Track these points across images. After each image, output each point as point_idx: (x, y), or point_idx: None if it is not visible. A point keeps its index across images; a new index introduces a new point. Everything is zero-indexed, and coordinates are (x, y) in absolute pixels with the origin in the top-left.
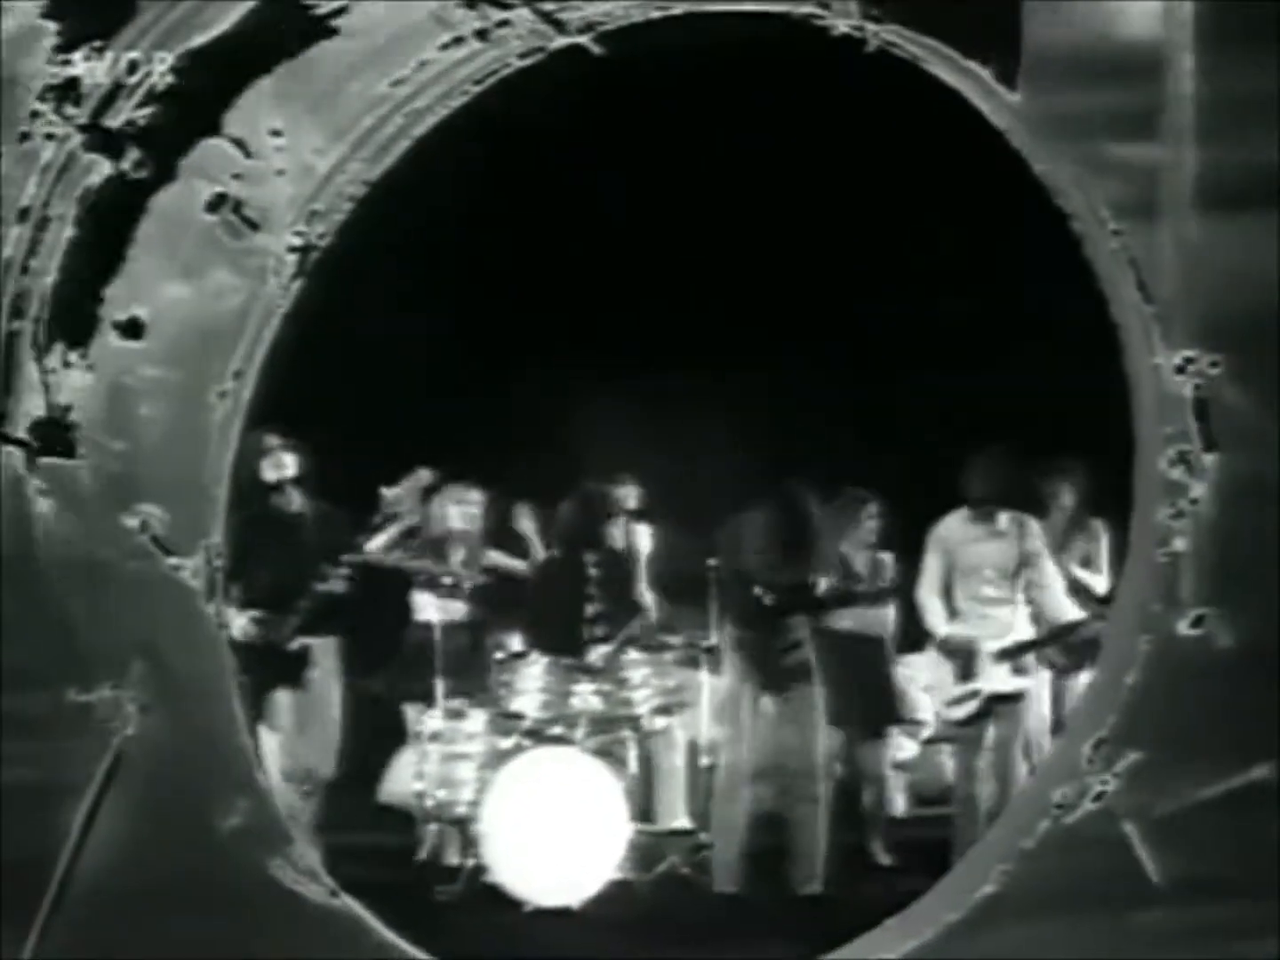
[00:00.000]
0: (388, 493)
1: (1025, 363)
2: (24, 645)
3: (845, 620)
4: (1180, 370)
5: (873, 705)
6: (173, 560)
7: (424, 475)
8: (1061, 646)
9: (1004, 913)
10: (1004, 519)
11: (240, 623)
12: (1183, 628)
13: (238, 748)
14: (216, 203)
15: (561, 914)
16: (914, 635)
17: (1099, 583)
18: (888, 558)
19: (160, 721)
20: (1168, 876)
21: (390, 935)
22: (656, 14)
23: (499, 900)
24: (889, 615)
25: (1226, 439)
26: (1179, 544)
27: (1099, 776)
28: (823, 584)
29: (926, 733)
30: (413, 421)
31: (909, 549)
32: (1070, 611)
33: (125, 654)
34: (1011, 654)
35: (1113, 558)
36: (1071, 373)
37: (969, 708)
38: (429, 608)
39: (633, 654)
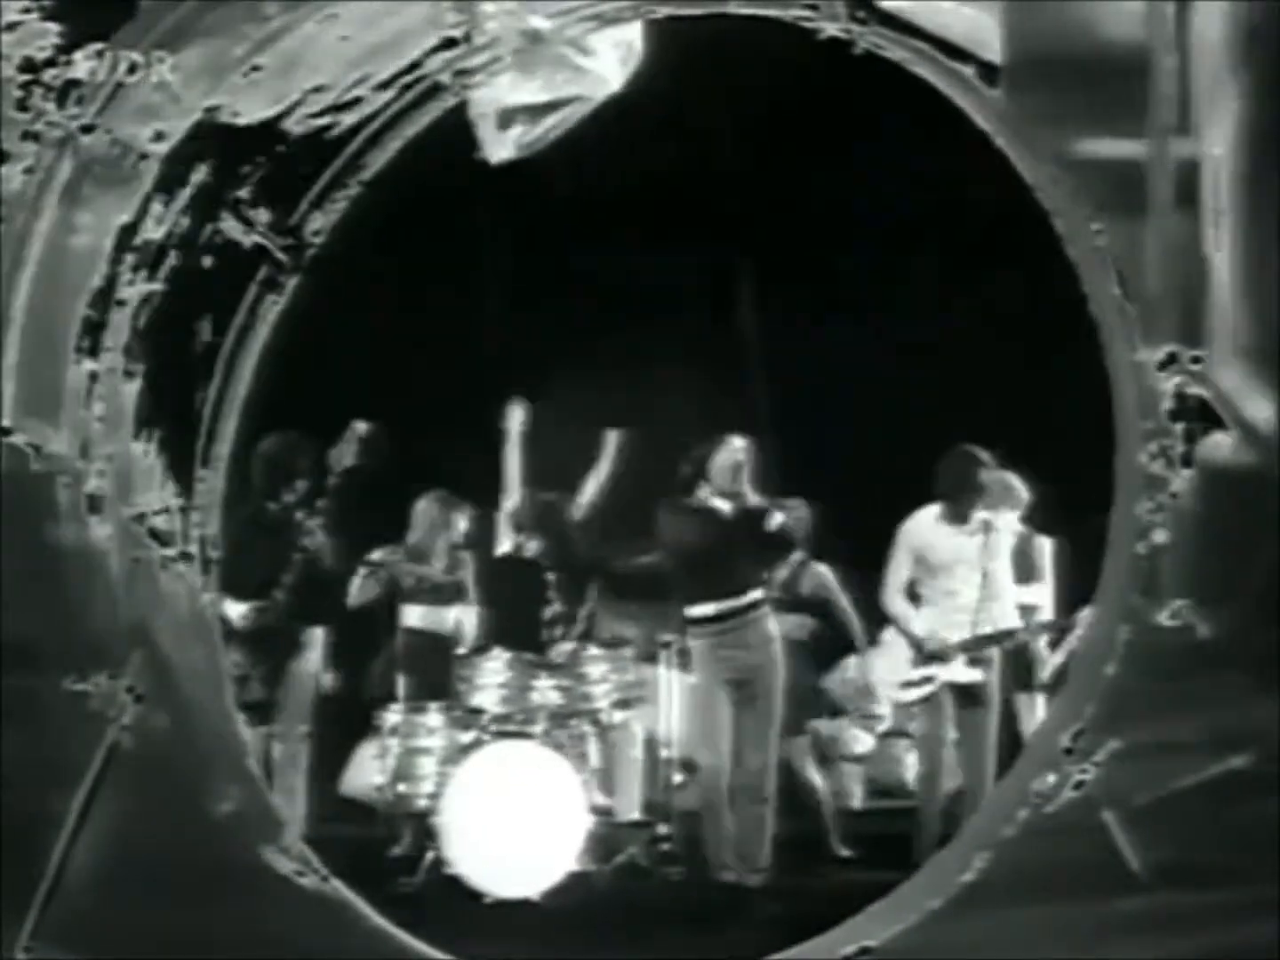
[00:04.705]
0: (331, 451)
1: (1004, 359)
2: (22, 633)
3: None
4: (1163, 366)
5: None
6: (170, 551)
7: (360, 427)
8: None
9: (985, 900)
10: (975, 518)
11: (240, 610)
12: (1162, 619)
13: (231, 735)
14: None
15: (521, 905)
16: (869, 632)
17: (1038, 594)
18: (822, 569)
19: (155, 710)
20: (1147, 864)
21: (380, 921)
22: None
23: (459, 892)
24: (806, 621)
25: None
26: (1159, 536)
27: (1079, 765)
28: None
29: (883, 726)
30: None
31: (876, 551)
32: (1012, 619)
33: (122, 643)
34: (970, 646)
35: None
36: (1050, 369)
37: (922, 691)
38: (411, 613)
39: (592, 649)
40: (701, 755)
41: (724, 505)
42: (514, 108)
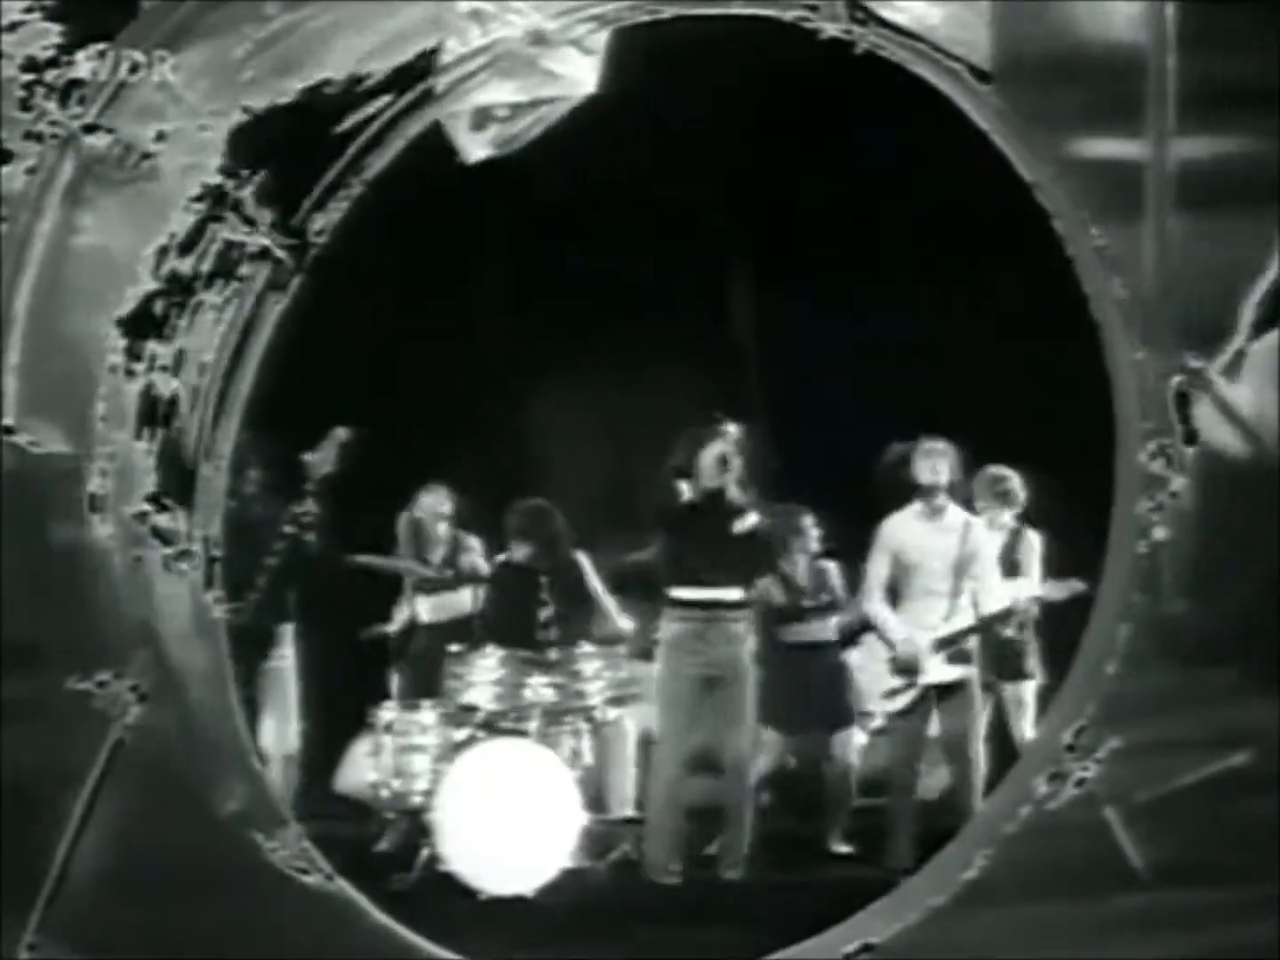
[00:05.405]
0: (310, 457)
1: (1004, 359)
2: (25, 633)
3: (792, 634)
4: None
5: (829, 706)
6: (172, 550)
7: (340, 433)
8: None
9: (987, 897)
10: (952, 515)
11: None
12: (1162, 617)
13: (234, 734)
14: (216, 198)
15: (516, 902)
16: (851, 632)
17: (1024, 588)
18: (831, 565)
19: (159, 709)
20: (1148, 862)
21: (382, 918)
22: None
23: (454, 889)
24: (832, 621)
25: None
26: (1159, 534)
27: (1080, 763)
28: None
29: (875, 724)
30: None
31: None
32: (1003, 601)
33: (126, 642)
34: (947, 643)
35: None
36: (1050, 369)
37: (907, 698)
38: (419, 608)
39: (585, 646)
40: (659, 747)
41: (706, 501)
42: (488, 108)
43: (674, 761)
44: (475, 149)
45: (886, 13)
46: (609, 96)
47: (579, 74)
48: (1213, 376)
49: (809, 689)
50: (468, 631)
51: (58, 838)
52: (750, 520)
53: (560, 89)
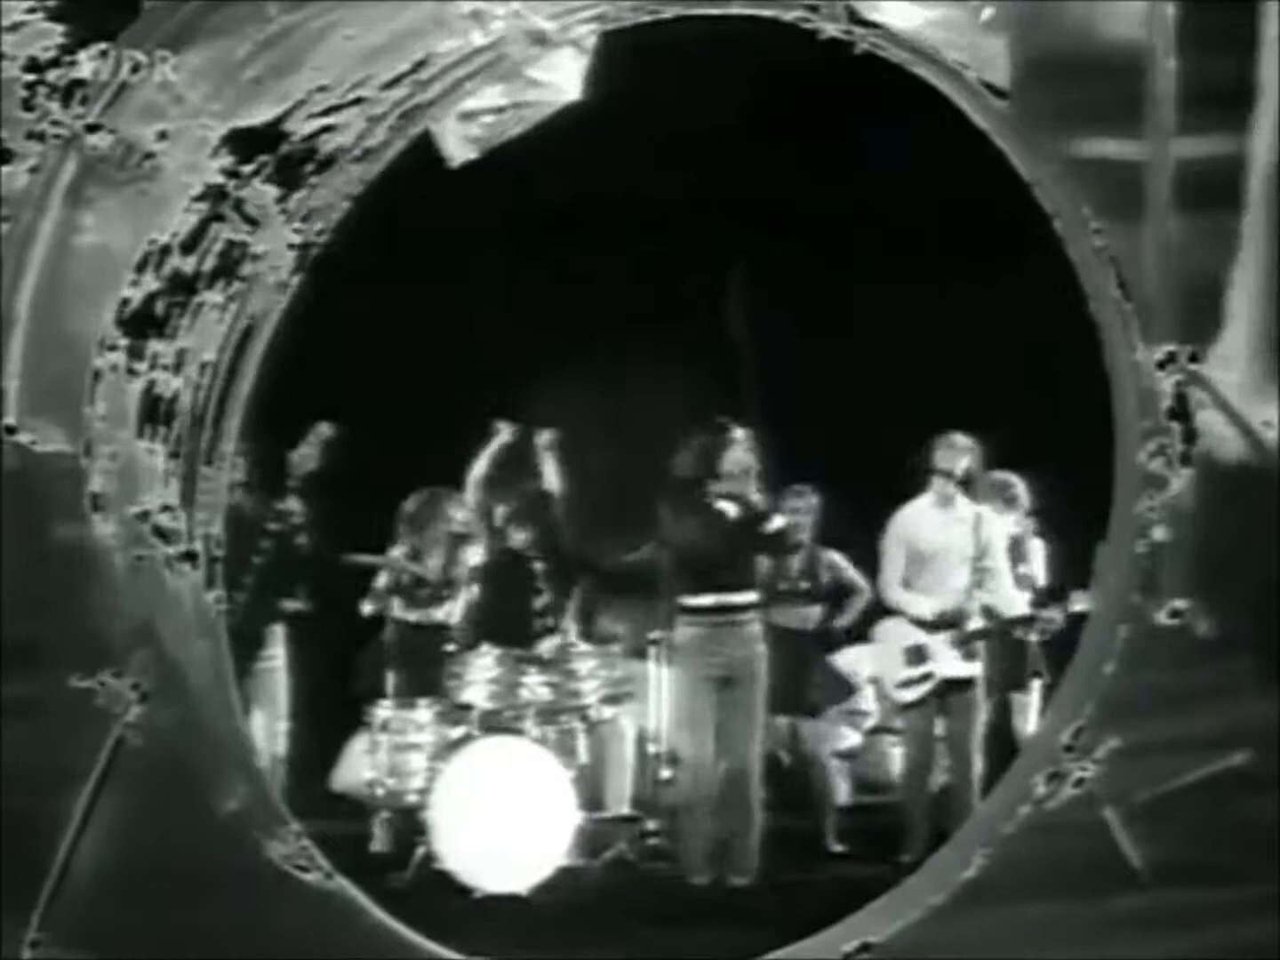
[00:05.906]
0: (293, 454)
1: (1004, 359)
2: (26, 631)
3: (772, 616)
4: (1162, 366)
5: (802, 693)
6: (173, 549)
7: (324, 429)
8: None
9: (986, 897)
10: (964, 507)
11: None
12: (1161, 617)
13: (235, 733)
14: (218, 198)
15: (510, 900)
16: (857, 628)
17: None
18: (833, 556)
19: (160, 707)
20: (1148, 861)
21: (382, 916)
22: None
23: (449, 887)
24: (813, 612)
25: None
26: (1158, 535)
27: (1079, 763)
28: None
29: (870, 723)
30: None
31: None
32: (1018, 605)
33: (127, 641)
34: (965, 640)
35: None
36: (1050, 369)
37: (922, 689)
38: (402, 606)
39: (581, 645)
40: (684, 750)
41: (730, 507)
42: (473, 110)
43: (695, 764)
44: (461, 151)
45: (885, 17)
46: (609, 97)
47: (564, 80)
48: (1211, 376)
49: (777, 673)
50: (459, 629)
51: (59, 836)
52: (778, 521)
53: (544, 95)
